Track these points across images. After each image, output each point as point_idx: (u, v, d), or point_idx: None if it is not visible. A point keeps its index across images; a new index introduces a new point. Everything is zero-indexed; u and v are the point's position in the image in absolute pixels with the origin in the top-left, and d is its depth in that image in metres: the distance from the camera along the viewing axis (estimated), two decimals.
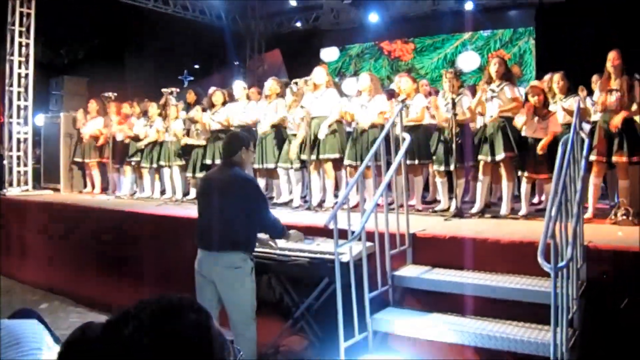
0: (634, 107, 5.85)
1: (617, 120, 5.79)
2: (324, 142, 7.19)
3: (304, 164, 7.54)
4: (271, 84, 8.11)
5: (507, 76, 6.61)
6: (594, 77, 7.09)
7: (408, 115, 7.02)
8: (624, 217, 5.73)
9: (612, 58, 5.97)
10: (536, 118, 6.21)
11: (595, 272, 4.26)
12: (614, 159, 5.86)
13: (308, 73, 7.61)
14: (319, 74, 7.52)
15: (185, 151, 8.87)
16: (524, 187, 6.37)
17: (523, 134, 6.27)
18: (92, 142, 10.11)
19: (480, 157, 6.46)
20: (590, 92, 7.04)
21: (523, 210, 6.32)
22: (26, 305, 5.60)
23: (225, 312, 4.34)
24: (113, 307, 5.99)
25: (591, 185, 6.01)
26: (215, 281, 4.28)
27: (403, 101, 6.96)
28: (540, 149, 6.09)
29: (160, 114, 9.27)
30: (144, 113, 9.60)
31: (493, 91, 6.47)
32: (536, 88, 6.39)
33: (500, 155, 6.31)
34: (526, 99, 6.36)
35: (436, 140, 6.83)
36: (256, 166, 7.90)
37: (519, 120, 6.26)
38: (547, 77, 7.19)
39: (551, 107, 6.46)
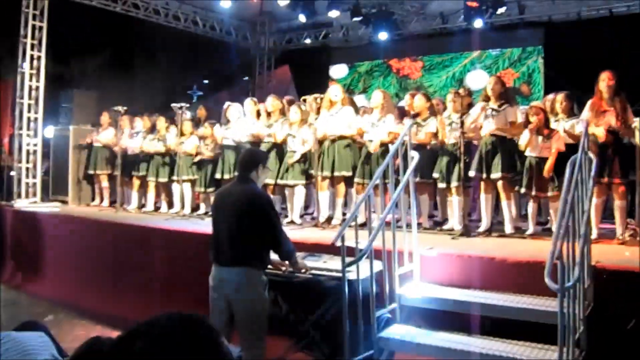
0: (636, 134, 5.85)
1: (601, 132, 5.78)
2: (338, 159, 7.15)
3: (310, 180, 7.52)
4: (271, 101, 8.07)
5: (506, 96, 6.59)
6: None
7: (418, 134, 6.95)
8: (631, 237, 5.71)
9: (606, 78, 5.92)
10: (540, 138, 6.19)
11: (602, 293, 4.25)
12: (609, 180, 5.83)
13: (317, 90, 7.60)
14: (335, 91, 7.46)
15: (195, 166, 8.90)
16: (531, 206, 6.34)
17: (527, 154, 6.25)
18: (103, 155, 10.17)
19: (474, 173, 6.46)
20: None
21: (530, 230, 6.30)
22: (32, 317, 5.61)
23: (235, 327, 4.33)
24: (120, 321, 5.98)
25: (592, 206, 5.97)
26: (228, 296, 4.25)
27: (414, 116, 6.94)
28: (547, 171, 6.03)
29: (167, 128, 9.35)
30: (153, 127, 9.67)
31: (493, 110, 6.48)
32: (536, 108, 6.36)
33: (496, 174, 6.31)
34: (527, 119, 6.33)
35: (442, 158, 6.83)
36: None
37: (523, 140, 6.25)
38: (550, 96, 7.15)
39: (553, 126, 6.42)
